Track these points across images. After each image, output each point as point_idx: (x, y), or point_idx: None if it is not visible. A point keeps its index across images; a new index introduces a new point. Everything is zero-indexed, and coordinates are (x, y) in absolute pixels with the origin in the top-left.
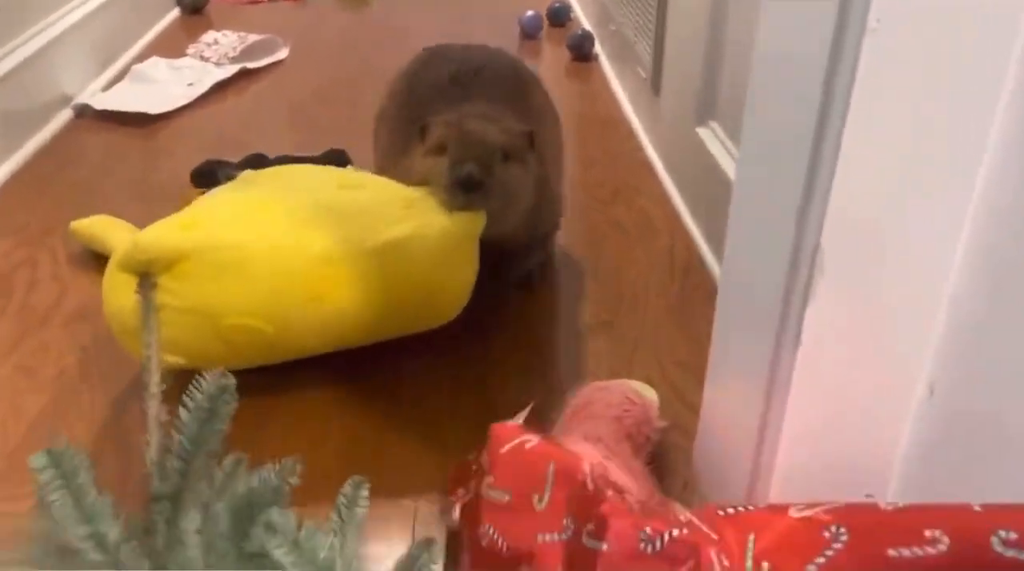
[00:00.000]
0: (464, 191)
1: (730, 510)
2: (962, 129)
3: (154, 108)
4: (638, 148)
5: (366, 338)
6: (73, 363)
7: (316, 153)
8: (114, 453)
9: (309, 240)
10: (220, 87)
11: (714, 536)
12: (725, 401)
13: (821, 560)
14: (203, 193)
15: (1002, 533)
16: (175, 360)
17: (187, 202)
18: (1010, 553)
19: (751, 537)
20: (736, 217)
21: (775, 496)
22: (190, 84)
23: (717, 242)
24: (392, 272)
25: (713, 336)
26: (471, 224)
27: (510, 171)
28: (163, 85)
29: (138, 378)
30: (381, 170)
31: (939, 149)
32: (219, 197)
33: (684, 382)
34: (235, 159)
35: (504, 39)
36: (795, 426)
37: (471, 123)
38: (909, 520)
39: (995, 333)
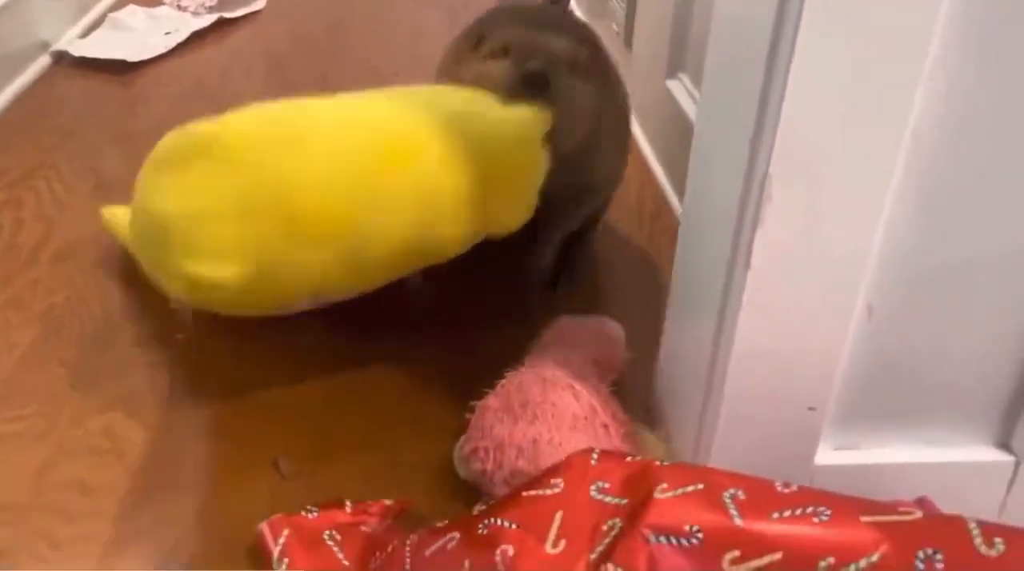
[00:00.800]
0: (528, 90)
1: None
2: (897, 66)
3: (132, 56)
4: None
5: (454, 228)
6: (62, 299)
7: None
8: (109, 375)
9: (372, 113)
10: (198, 36)
11: None
12: (683, 327)
13: None
14: None
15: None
16: (232, 272)
17: None
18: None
19: None
20: (697, 152)
21: (725, 414)
22: (167, 33)
23: (683, 189)
24: (466, 146)
25: (674, 267)
26: (538, 116)
27: (575, 83)
28: (141, 33)
29: (126, 309)
30: None
31: (876, 85)
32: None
33: (650, 320)
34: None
35: None
36: (744, 345)
37: (533, 35)
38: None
39: (928, 257)
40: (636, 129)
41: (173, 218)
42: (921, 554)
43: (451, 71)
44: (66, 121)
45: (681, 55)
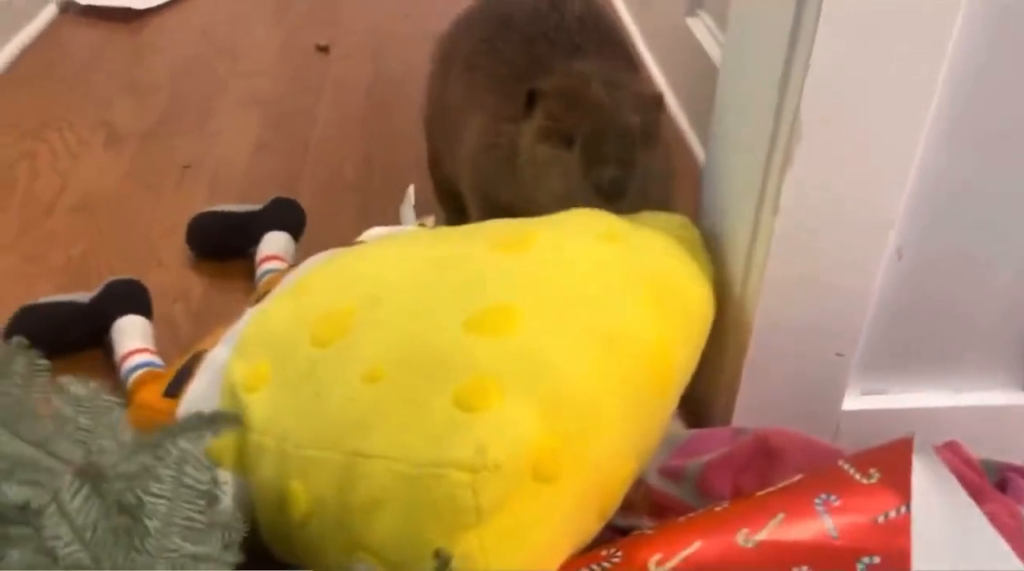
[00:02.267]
0: (607, 200)
1: None
2: (930, 8)
3: (138, 3)
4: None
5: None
6: (79, 252)
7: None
8: None
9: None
10: None
11: None
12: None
13: None
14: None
15: (867, 558)
16: None
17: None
18: None
19: None
20: (722, 93)
21: (752, 362)
22: None
23: (701, 127)
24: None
25: (699, 211)
26: (687, 225)
27: (650, 158)
28: None
29: (141, 264)
30: (456, 127)
31: (910, 23)
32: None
33: None
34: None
35: None
36: (772, 291)
37: (600, 101)
38: (769, 557)
39: (959, 200)
40: (652, 67)
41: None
42: (818, 500)
43: (500, 130)
44: (75, 71)
45: None
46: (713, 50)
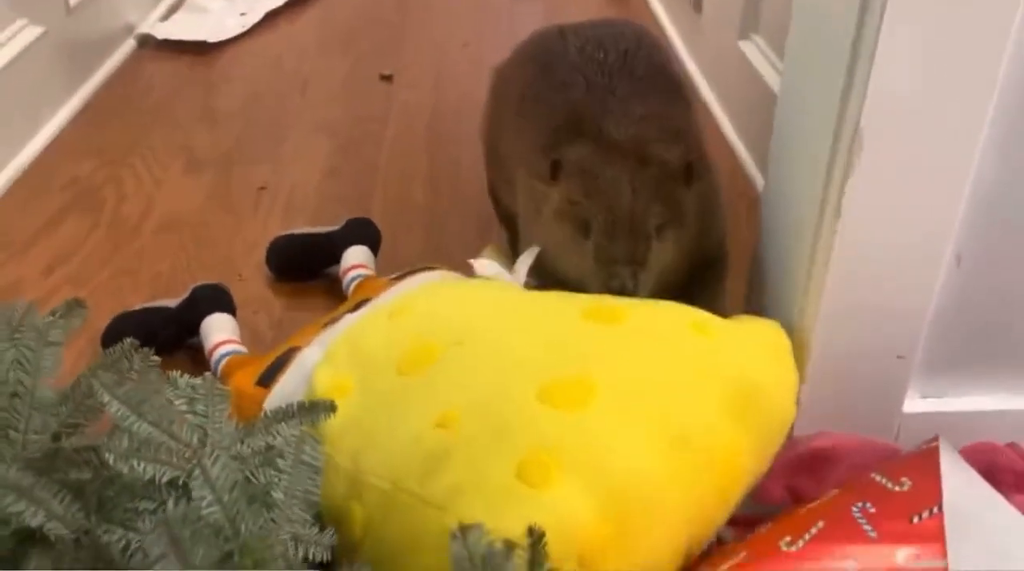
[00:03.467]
0: (616, 294)
1: None
2: (987, 20)
3: (212, 37)
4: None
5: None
6: (167, 268)
7: (334, 227)
8: None
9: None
10: (271, 16)
11: None
12: (770, 282)
13: None
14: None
15: (907, 549)
16: None
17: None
18: (910, 566)
19: None
20: (782, 107)
21: (815, 366)
22: (243, 14)
23: (758, 152)
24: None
25: (761, 218)
26: (778, 331)
27: (664, 248)
28: (217, 15)
29: (226, 279)
30: (507, 169)
31: (967, 37)
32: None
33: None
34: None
35: None
36: (834, 294)
37: (617, 186)
38: (814, 554)
39: (1017, 206)
40: (706, 91)
41: None
42: (855, 508)
43: (533, 188)
44: (154, 101)
45: (755, 16)
46: (768, 73)
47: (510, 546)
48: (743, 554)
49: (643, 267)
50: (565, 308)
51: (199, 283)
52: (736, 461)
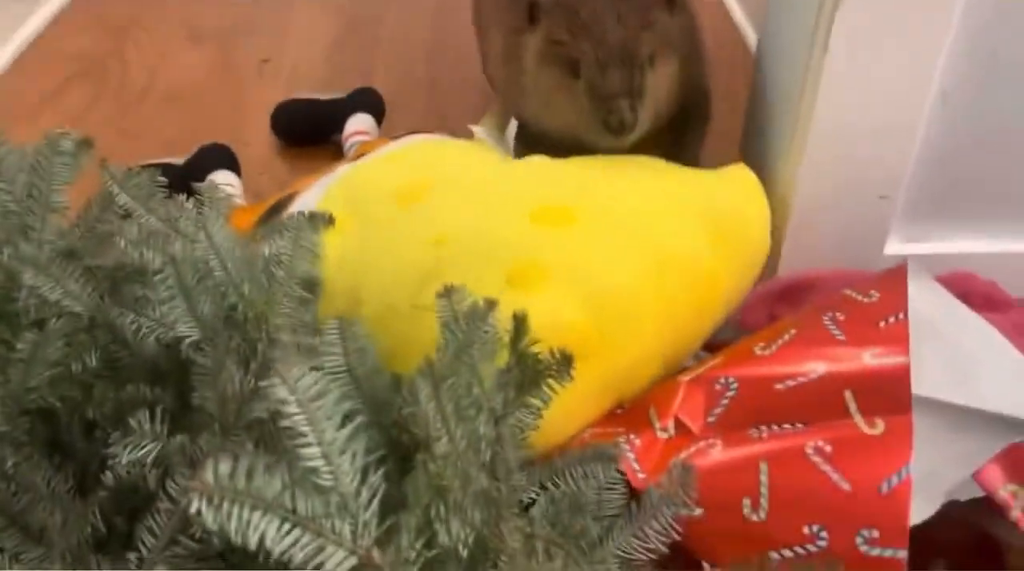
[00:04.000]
0: (615, 134)
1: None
2: None
3: None
4: None
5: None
6: (174, 133)
7: (339, 94)
8: None
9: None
10: None
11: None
12: (763, 110)
13: (719, 410)
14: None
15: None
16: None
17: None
18: (875, 362)
19: (651, 409)
20: None
21: (799, 204)
22: None
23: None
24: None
25: (755, 71)
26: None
27: (658, 76)
28: None
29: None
30: (488, 37)
31: None
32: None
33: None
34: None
35: None
36: (820, 129)
37: (602, 18)
38: (785, 358)
39: (1004, 45)
40: None
41: None
42: (826, 317)
43: (509, 59)
44: None
45: None
46: None
47: (490, 304)
48: (720, 359)
49: (640, 99)
50: (555, 160)
51: (205, 143)
52: (714, 284)
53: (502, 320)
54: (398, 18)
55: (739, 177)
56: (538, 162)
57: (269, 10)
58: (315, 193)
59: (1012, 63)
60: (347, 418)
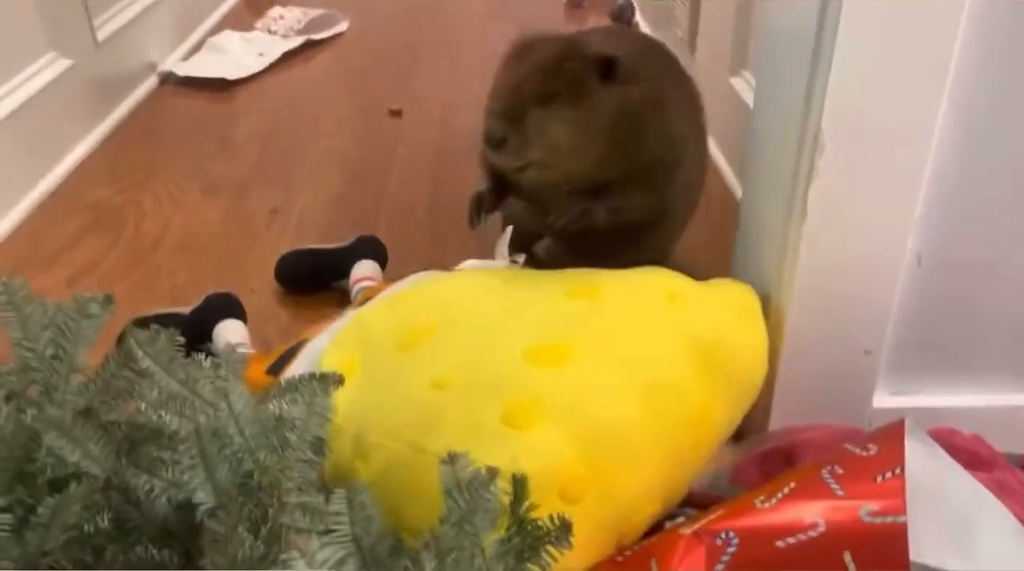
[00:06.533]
0: (490, 148)
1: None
2: (932, 34)
3: (230, 75)
4: None
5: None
6: (184, 280)
7: (344, 243)
8: None
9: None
10: (287, 56)
11: None
12: (745, 275)
13: (720, 567)
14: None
15: (870, 504)
16: None
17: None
18: (877, 521)
19: (652, 562)
20: (755, 120)
21: (786, 362)
22: (260, 54)
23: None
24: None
25: (737, 234)
26: (749, 294)
27: (549, 118)
28: (236, 55)
29: (238, 292)
30: None
31: (916, 46)
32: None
33: None
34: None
35: (551, 8)
36: (802, 292)
37: (517, 63)
38: (785, 511)
39: (973, 205)
40: None
41: None
42: (824, 471)
43: None
44: (175, 132)
45: (743, 54)
46: None
47: (492, 472)
48: (721, 511)
49: (515, 125)
50: (548, 287)
51: (211, 292)
52: (708, 412)
53: (499, 459)
54: (400, 174)
55: (738, 299)
56: (538, 288)
57: (279, 164)
58: (324, 339)
59: (982, 225)
60: None
